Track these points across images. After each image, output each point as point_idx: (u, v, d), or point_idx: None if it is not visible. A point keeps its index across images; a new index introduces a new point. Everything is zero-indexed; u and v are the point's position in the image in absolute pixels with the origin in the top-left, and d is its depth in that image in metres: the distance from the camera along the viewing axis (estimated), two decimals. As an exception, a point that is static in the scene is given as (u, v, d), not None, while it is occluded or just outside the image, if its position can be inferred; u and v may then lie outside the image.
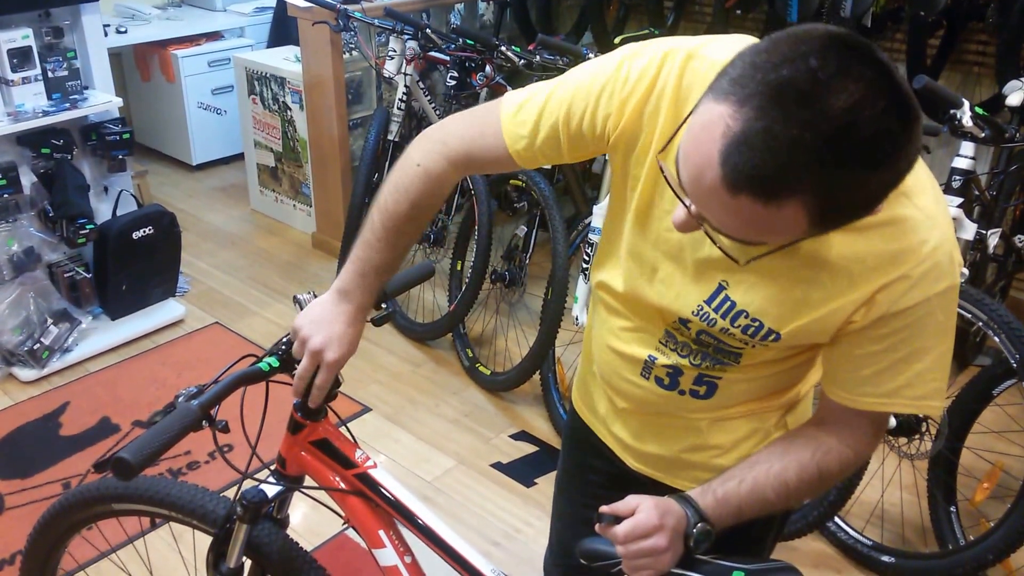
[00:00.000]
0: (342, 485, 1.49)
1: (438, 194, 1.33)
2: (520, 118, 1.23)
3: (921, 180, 1.05)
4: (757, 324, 1.14)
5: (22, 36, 3.00)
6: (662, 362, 1.26)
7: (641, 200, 1.18)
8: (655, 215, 1.18)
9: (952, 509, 2.48)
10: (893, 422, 2.45)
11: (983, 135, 2.41)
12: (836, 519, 2.54)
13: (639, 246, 1.21)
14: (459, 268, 3.50)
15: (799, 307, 1.10)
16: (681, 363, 1.25)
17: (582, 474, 1.59)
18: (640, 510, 1.13)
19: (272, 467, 1.51)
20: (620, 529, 1.14)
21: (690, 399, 1.27)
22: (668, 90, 1.11)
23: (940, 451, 2.46)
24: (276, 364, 1.39)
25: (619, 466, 1.45)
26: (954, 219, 2.46)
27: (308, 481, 1.51)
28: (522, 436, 3.03)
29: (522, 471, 2.86)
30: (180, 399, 1.29)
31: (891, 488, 2.69)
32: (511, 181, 3.38)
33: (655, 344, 1.26)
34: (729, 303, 1.14)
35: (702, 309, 1.17)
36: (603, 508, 1.16)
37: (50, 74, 3.15)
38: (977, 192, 2.65)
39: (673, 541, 1.13)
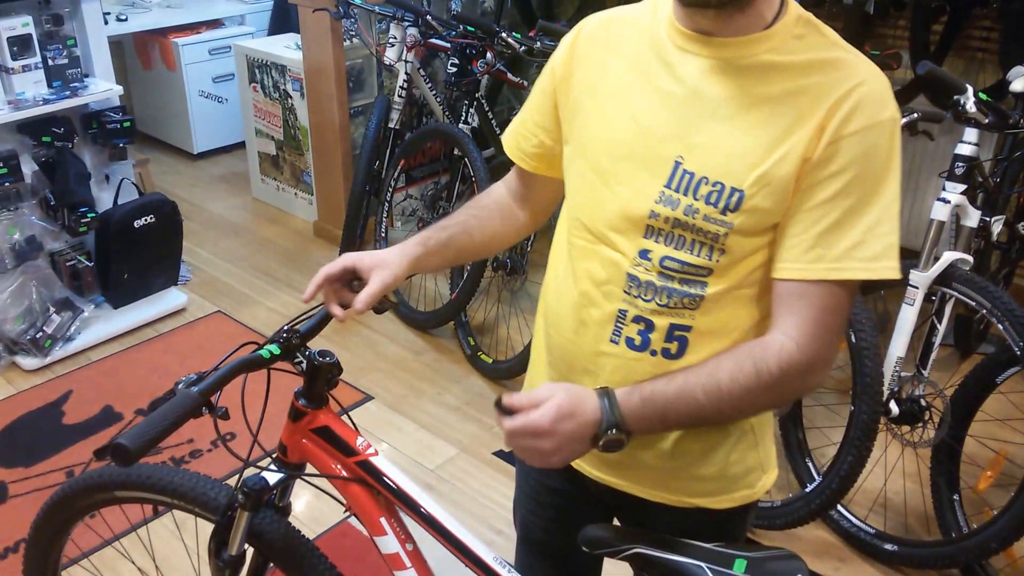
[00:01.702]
0: (343, 473, 1.49)
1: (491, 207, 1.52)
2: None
3: (851, 47, 1.16)
4: (719, 187, 1.15)
5: (22, 24, 2.99)
6: (632, 314, 1.23)
7: (585, 116, 1.28)
8: (602, 124, 1.26)
9: (955, 497, 2.48)
10: (896, 410, 2.45)
11: (987, 121, 2.40)
12: (839, 507, 2.54)
13: (595, 160, 1.26)
14: (461, 256, 3.48)
15: (753, 154, 1.13)
16: (649, 310, 1.22)
17: (539, 492, 1.57)
18: (540, 407, 1.12)
19: (273, 455, 1.51)
20: (508, 424, 1.13)
21: (663, 360, 1.24)
22: (584, 33, 1.32)
23: (943, 439, 2.45)
24: (277, 352, 1.39)
25: (579, 481, 1.42)
26: (957, 206, 2.45)
27: (310, 469, 1.51)
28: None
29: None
30: (180, 386, 1.29)
31: (894, 476, 2.69)
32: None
33: (621, 294, 1.24)
34: (688, 176, 1.17)
35: (663, 194, 1.18)
36: (504, 398, 1.15)
37: (50, 62, 3.14)
38: (981, 179, 2.64)
39: (563, 445, 1.13)
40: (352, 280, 1.41)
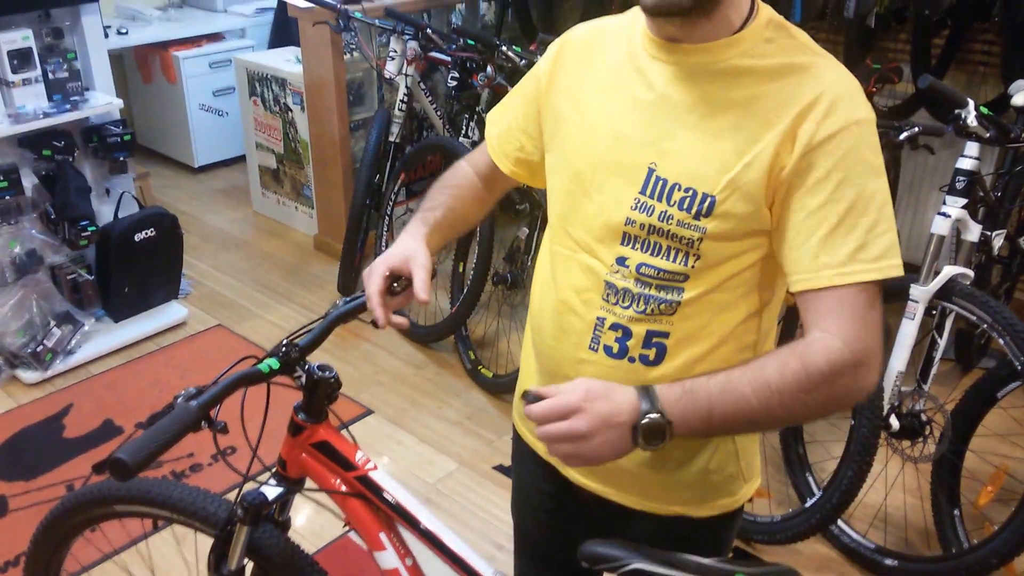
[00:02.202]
0: (343, 488, 1.48)
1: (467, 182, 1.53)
2: (493, 116, 1.49)
3: (821, 50, 1.17)
4: (691, 193, 1.16)
5: (22, 37, 3.00)
6: (610, 321, 1.25)
7: (567, 125, 1.30)
8: (581, 132, 1.27)
9: (956, 512, 2.47)
10: (896, 425, 2.45)
11: (988, 135, 2.40)
12: (839, 522, 2.53)
13: (575, 168, 1.28)
14: (461, 270, 3.49)
15: (723, 160, 1.14)
16: (627, 317, 1.24)
17: (531, 496, 1.59)
18: (564, 391, 1.09)
19: (273, 470, 1.50)
20: (535, 408, 1.09)
21: (640, 367, 1.25)
22: (569, 43, 1.35)
23: (944, 454, 2.45)
24: (276, 366, 1.39)
25: (568, 487, 1.44)
26: (958, 220, 2.45)
27: (309, 483, 1.51)
28: (513, 428, 3.02)
29: (512, 469, 2.84)
30: (179, 400, 1.29)
31: (894, 491, 2.68)
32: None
33: (600, 302, 1.26)
34: (661, 182, 1.18)
35: (639, 200, 1.20)
36: (531, 387, 1.13)
37: (50, 75, 3.14)
38: (982, 193, 2.64)
39: (599, 428, 1.07)
40: (391, 284, 1.40)
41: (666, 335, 1.23)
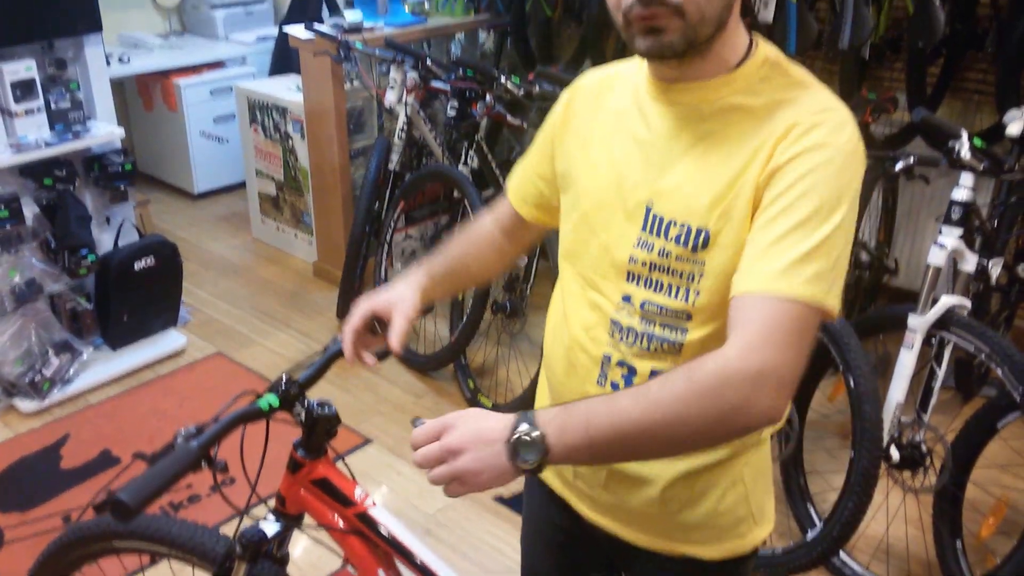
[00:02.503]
0: (341, 524, 1.48)
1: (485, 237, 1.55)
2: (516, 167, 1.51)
3: (818, 85, 1.18)
4: (686, 228, 1.18)
5: (25, 68, 3.02)
6: (616, 358, 1.27)
7: (577, 168, 1.32)
8: (589, 174, 1.30)
9: (958, 544, 2.46)
10: (896, 456, 2.44)
11: (982, 167, 2.41)
12: (841, 554, 2.52)
13: (583, 209, 1.30)
14: (460, 298, 3.49)
15: (713, 193, 1.15)
16: (632, 354, 1.25)
17: (541, 529, 1.59)
18: (436, 420, 1.09)
19: (270, 503, 1.50)
20: (413, 433, 1.10)
21: None
22: (580, 89, 1.38)
23: (945, 485, 2.44)
24: (276, 403, 1.38)
25: (579, 522, 1.44)
26: (954, 251, 2.46)
27: (308, 519, 1.50)
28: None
29: (523, 501, 2.83)
30: (179, 439, 1.28)
31: (896, 522, 2.67)
32: (512, 211, 3.38)
33: (606, 339, 1.27)
34: (658, 220, 1.20)
35: (640, 239, 1.22)
36: (418, 418, 1.14)
37: (53, 105, 3.16)
38: (978, 223, 2.65)
39: (470, 442, 1.05)
40: (373, 324, 1.43)
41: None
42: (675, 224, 1.19)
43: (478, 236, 1.55)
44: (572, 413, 1.05)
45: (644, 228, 1.22)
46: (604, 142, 1.29)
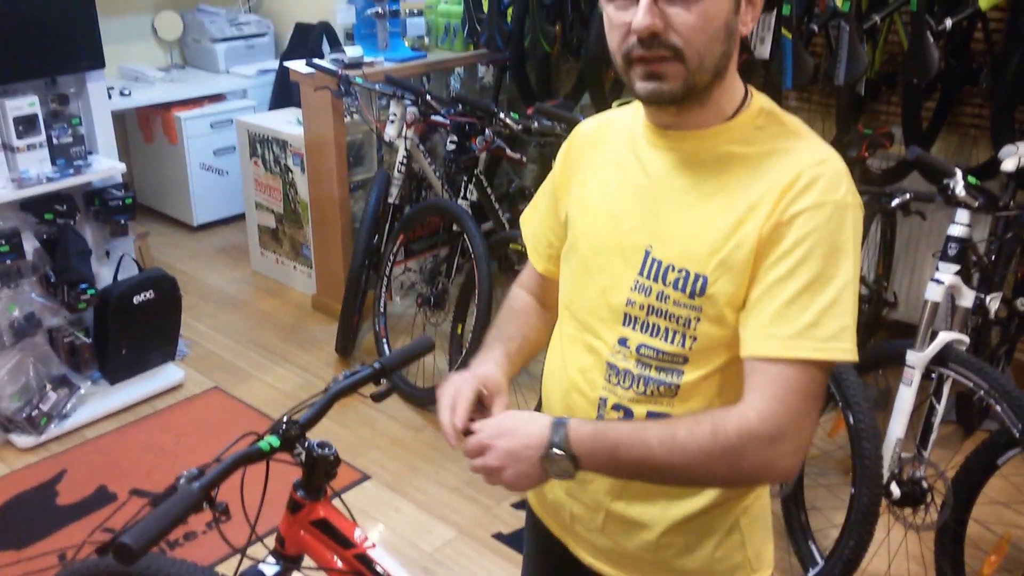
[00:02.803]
0: (340, 565, 1.47)
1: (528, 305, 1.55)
2: (524, 219, 1.54)
3: (812, 134, 1.21)
4: (684, 273, 1.19)
5: (28, 104, 3.04)
6: (612, 402, 1.28)
7: (576, 213, 1.35)
8: (586, 218, 1.33)
9: (960, 581, 2.45)
10: (897, 492, 2.43)
11: (977, 204, 2.43)
12: (842, 590, 2.51)
13: (581, 252, 1.33)
14: (459, 332, 3.49)
15: (712, 241, 1.17)
16: (628, 398, 1.26)
17: (540, 571, 1.60)
18: (485, 424, 1.22)
19: (268, 543, 1.50)
20: (463, 445, 1.22)
21: None
22: (578, 136, 1.41)
23: (946, 522, 2.43)
24: (277, 444, 1.38)
25: (578, 565, 1.43)
26: (952, 287, 2.47)
27: (307, 560, 1.50)
28: (523, 506, 2.99)
29: (523, 542, 2.82)
30: (181, 481, 1.28)
31: (898, 559, 2.66)
32: (511, 245, 3.39)
33: (602, 382, 1.28)
34: (656, 263, 1.22)
35: (637, 282, 1.24)
36: (473, 424, 1.24)
37: (55, 140, 3.17)
38: (975, 258, 2.66)
39: (507, 462, 1.17)
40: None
41: (667, 416, 1.25)
42: (673, 269, 1.20)
43: (523, 309, 1.53)
44: (602, 439, 1.14)
45: (642, 272, 1.23)
46: (601, 187, 1.31)
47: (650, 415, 1.25)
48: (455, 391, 1.30)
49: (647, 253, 1.23)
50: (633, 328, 1.25)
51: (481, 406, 1.31)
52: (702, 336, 1.20)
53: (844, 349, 1.12)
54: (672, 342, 1.22)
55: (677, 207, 1.21)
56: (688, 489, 1.29)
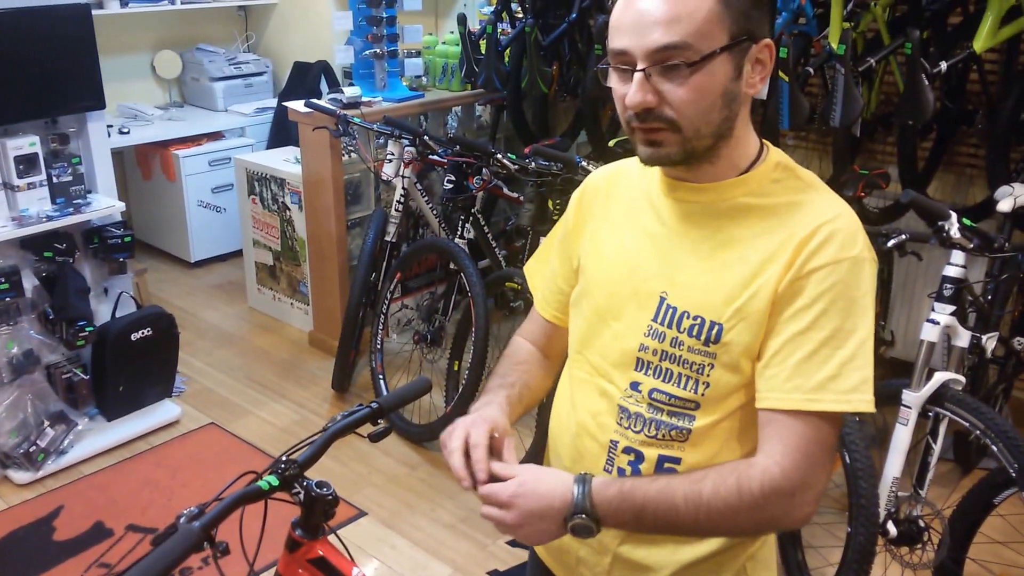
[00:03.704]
0: (339, 605, 1.47)
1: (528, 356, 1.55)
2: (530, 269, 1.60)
3: (826, 189, 1.23)
4: (699, 320, 1.21)
5: (29, 143, 3.06)
6: (623, 445, 1.28)
7: (588, 259, 1.37)
8: (599, 264, 1.34)
9: (958, 621, 2.45)
10: (894, 531, 2.43)
11: (972, 245, 2.45)
12: (840, 630, 2.50)
13: (593, 297, 1.34)
14: (456, 368, 3.50)
15: (729, 290, 1.19)
16: (639, 441, 1.26)
17: None
18: (509, 482, 1.19)
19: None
20: (480, 490, 1.19)
21: None
22: (590, 186, 1.43)
23: (943, 561, 2.43)
24: (276, 483, 1.39)
25: None
26: (947, 327, 2.48)
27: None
28: (519, 543, 2.99)
29: (521, 580, 2.82)
30: (182, 520, 1.28)
31: (895, 598, 2.65)
32: (507, 283, 3.41)
33: (614, 425, 1.29)
34: (672, 310, 1.23)
35: (651, 328, 1.25)
36: (494, 465, 1.22)
37: (55, 179, 3.20)
38: (971, 298, 2.68)
39: (526, 521, 1.17)
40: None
41: (678, 461, 1.26)
42: (688, 316, 1.22)
43: (525, 359, 1.52)
44: (627, 500, 1.15)
45: (656, 318, 1.25)
46: (615, 234, 1.33)
47: (661, 459, 1.26)
48: (466, 434, 1.27)
49: (662, 299, 1.25)
50: (646, 373, 1.26)
51: (491, 450, 1.29)
52: (715, 382, 1.21)
53: (864, 400, 1.14)
54: (685, 388, 1.23)
55: (693, 255, 1.23)
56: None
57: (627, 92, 1.15)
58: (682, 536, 1.26)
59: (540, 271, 1.55)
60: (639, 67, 1.13)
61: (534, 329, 1.56)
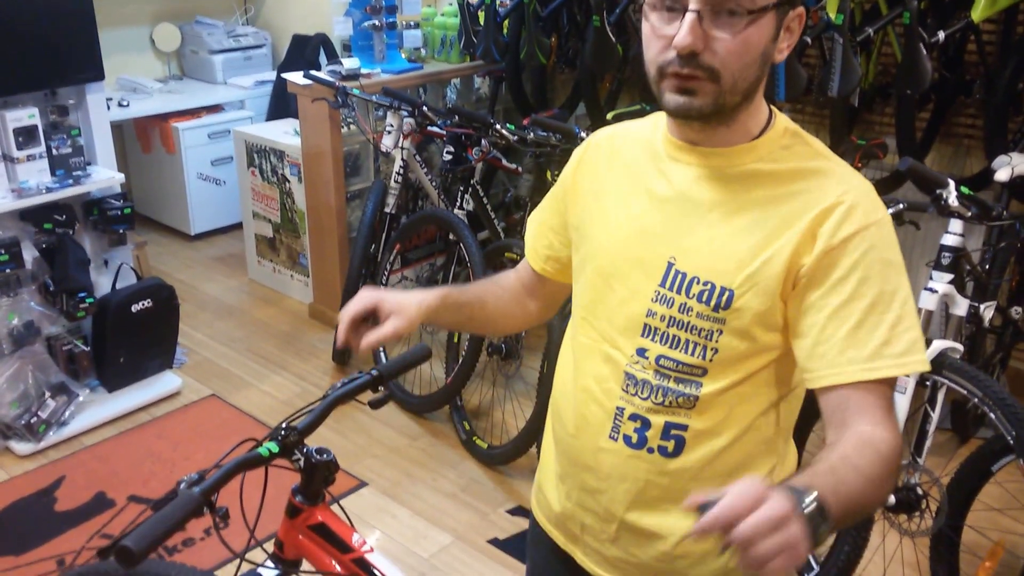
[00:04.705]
0: (339, 570, 1.49)
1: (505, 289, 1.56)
2: (530, 220, 1.53)
3: (835, 156, 1.22)
4: (710, 286, 1.20)
5: (28, 115, 3.06)
6: (629, 412, 1.27)
7: (592, 223, 1.35)
8: (604, 229, 1.32)
9: (955, 587, 2.47)
10: (892, 499, 2.45)
11: (969, 214, 2.45)
12: (837, 597, 2.52)
13: (598, 263, 1.32)
14: (456, 340, 3.51)
15: (741, 256, 1.18)
16: (645, 408, 1.26)
17: None
18: (732, 490, 0.91)
19: (269, 550, 1.51)
20: (717, 509, 0.89)
21: (659, 458, 1.27)
22: (592, 146, 1.41)
23: (941, 528, 2.45)
24: (276, 450, 1.40)
25: None
26: (945, 295, 2.49)
27: (305, 564, 1.51)
28: (519, 511, 3.01)
29: (519, 547, 2.83)
30: (182, 485, 1.29)
31: (893, 566, 2.67)
32: (507, 254, 3.41)
33: (619, 392, 1.28)
34: (680, 276, 1.22)
35: (659, 293, 1.24)
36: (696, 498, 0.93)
37: (54, 151, 3.20)
38: (969, 267, 2.68)
39: (794, 512, 0.89)
40: (370, 317, 1.41)
41: (684, 427, 1.25)
42: (699, 281, 1.20)
43: (502, 281, 1.57)
44: (822, 474, 1.02)
45: (663, 283, 1.23)
46: (620, 198, 1.31)
47: (668, 425, 1.25)
48: (350, 304, 1.38)
49: (670, 265, 1.23)
50: (652, 339, 1.25)
51: (374, 319, 1.39)
52: (723, 348, 1.21)
53: (918, 361, 1.14)
54: (692, 354, 1.22)
55: (703, 221, 1.22)
56: (704, 459, 1.27)
57: (672, 33, 1.11)
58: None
59: (535, 220, 1.53)
60: (692, 7, 1.10)
61: (523, 270, 1.56)
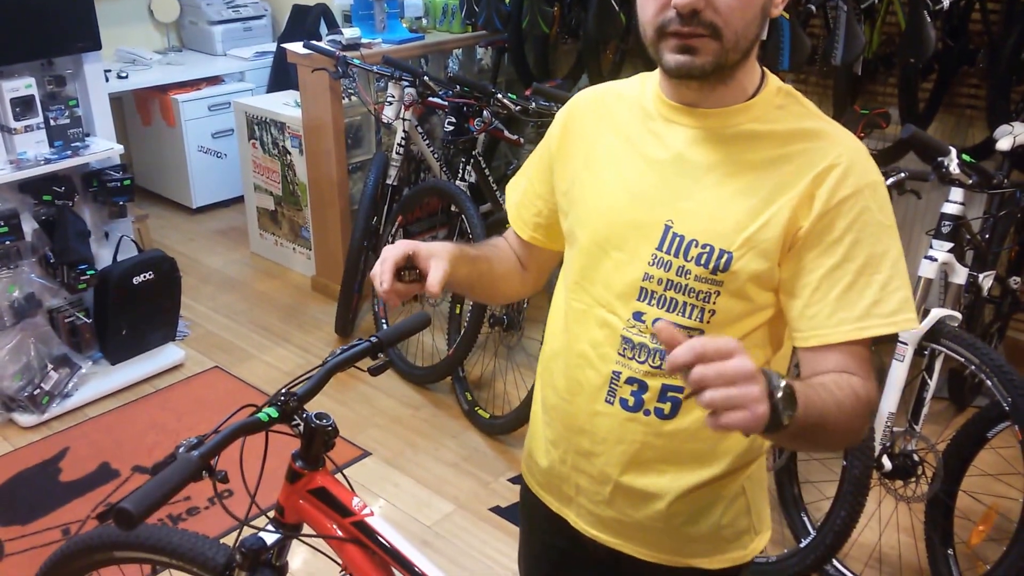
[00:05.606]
0: (339, 533, 1.50)
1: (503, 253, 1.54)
2: (510, 186, 1.52)
3: (827, 117, 1.23)
4: (708, 249, 1.19)
5: (25, 85, 3.06)
6: (625, 375, 1.27)
7: (582, 187, 1.33)
8: (596, 192, 1.31)
9: (949, 552, 2.49)
10: (889, 465, 2.47)
11: (971, 182, 2.45)
12: (834, 562, 2.54)
13: (592, 227, 1.30)
14: (458, 312, 3.52)
15: (739, 218, 1.18)
16: (643, 371, 1.26)
17: (540, 551, 1.60)
18: (710, 338, 0.94)
19: (271, 515, 1.52)
20: (692, 343, 0.92)
21: (655, 421, 1.28)
22: (577, 107, 1.39)
23: (936, 494, 2.47)
24: (275, 415, 1.41)
25: (578, 540, 1.44)
26: (945, 264, 2.49)
27: (306, 529, 1.52)
28: (520, 480, 3.02)
29: (519, 521, 2.85)
30: (181, 450, 1.31)
31: (889, 531, 2.70)
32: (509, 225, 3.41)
33: (615, 356, 1.28)
34: (678, 238, 1.22)
35: (656, 256, 1.23)
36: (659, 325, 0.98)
37: (52, 122, 3.19)
38: (969, 236, 2.68)
39: (760, 377, 0.93)
40: (405, 268, 1.31)
41: (680, 389, 1.26)
42: (697, 244, 1.20)
43: (501, 248, 1.54)
44: (795, 383, 1.01)
45: (660, 247, 1.23)
46: (612, 161, 1.30)
47: (664, 388, 1.26)
48: (387, 254, 1.29)
49: (667, 227, 1.22)
50: (649, 303, 1.24)
51: (413, 272, 1.31)
52: (720, 310, 1.21)
53: (907, 319, 1.16)
54: (690, 316, 1.22)
55: (700, 183, 1.21)
56: (700, 458, 1.30)
57: None
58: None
59: (518, 188, 1.50)
60: None
61: (511, 237, 1.54)
